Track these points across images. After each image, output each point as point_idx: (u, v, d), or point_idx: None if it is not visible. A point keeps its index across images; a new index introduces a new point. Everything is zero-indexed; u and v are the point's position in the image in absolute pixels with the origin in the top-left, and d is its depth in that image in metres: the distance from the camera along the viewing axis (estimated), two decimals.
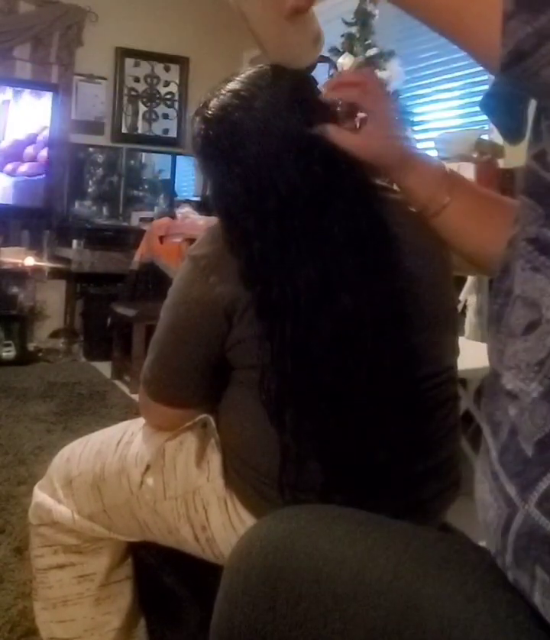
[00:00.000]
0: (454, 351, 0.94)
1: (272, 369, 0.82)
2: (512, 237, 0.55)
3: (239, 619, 0.55)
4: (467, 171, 2.37)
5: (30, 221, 4.06)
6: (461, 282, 2.27)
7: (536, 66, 0.42)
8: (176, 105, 4.61)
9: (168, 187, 4.59)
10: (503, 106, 0.65)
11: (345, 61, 3.02)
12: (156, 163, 4.60)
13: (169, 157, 4.53)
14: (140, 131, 4.57)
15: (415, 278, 0.85)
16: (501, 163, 2.61)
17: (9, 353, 3.77)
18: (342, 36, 3.12)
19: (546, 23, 0.41)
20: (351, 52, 3.06)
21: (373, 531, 0.59)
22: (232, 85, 0.85)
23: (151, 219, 4.00)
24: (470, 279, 2.31)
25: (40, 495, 1.08)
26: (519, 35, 0.42)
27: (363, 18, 3.07)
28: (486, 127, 2.72)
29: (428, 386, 0.88)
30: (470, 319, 2.47)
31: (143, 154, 4.57)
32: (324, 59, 3.31)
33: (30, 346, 3.98)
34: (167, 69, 4.58)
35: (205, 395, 0.93)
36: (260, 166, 0.81)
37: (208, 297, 0.84)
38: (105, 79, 4.36)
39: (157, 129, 4.61)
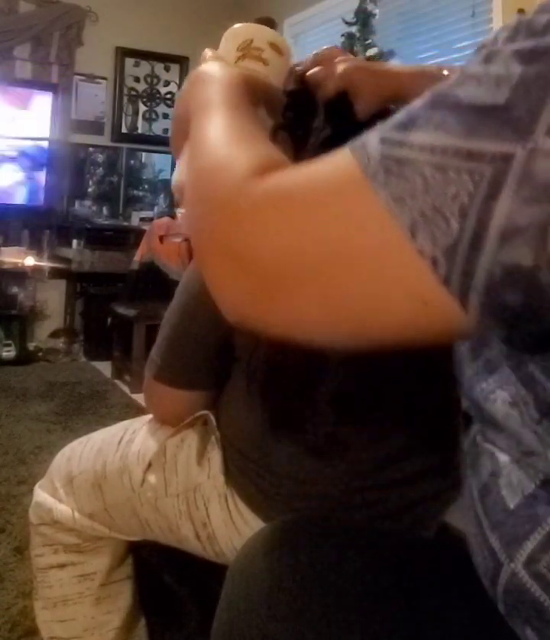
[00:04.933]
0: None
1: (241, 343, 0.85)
2: None
3: (240, 625, 0.55)
4: None
5: (30, 220, 4.06)
6: None
7: None
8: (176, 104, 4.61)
9: (168, 187, 4.58)
10: None
11: None
12: (156, 162, 4.60)
13: (169, 157, 4.52)
14: (140, 131, 4.57)
15: None
16: None
17: (9, 353, 3.77)
18: (342, 36, 3.12)
19: None
20: (351, 52, 3.06)
21: (378, 543, 0.59)
22: None
23: (151, 219, 4.00)
24: None
25: (41, 494, 1.08)
26: None
27: (363, 18, 3.07)
28: None
29: (419, 377, 0.89)
30: None
31: (143, 154, 4.57)
32: None
33: (30, 346, 3.98)
34: (167, 69, 4.58)
35: (211, 377, 0.94)
36: None
37: None
38: (105, 78, 4.36)
39: (157, 129, 4.61)
